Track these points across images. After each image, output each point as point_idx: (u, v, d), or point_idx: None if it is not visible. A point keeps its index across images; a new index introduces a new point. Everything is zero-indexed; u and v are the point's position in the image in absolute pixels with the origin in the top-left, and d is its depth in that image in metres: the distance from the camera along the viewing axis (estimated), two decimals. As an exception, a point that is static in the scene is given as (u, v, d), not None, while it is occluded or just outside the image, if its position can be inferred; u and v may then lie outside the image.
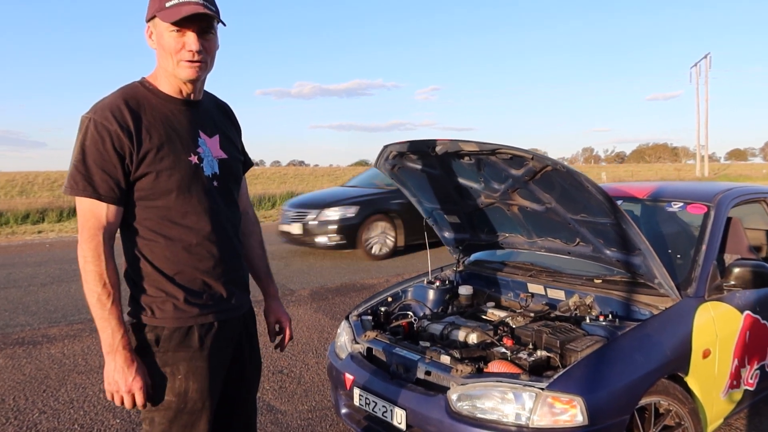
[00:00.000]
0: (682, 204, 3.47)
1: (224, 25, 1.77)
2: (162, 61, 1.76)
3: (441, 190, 3.42)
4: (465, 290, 3.59)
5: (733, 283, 2.96)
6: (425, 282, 3.75)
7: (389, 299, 3.63)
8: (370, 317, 3.38)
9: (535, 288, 3.37)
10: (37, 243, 12.29)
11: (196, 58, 1.72)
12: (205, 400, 1.80)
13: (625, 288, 3.02)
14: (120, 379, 1.66)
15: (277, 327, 2.25)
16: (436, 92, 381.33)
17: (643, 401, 2.52)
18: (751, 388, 3.12)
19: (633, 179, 40.61)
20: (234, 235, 1.91)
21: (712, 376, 2.83)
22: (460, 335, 3.01)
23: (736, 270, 2.96)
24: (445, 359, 2.68)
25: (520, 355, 2.61)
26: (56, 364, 4.65)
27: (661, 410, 2.62)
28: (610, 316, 2.86)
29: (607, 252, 2.96)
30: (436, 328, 3.15)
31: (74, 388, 4.16)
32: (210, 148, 1.85)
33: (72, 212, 17.39)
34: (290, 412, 3.71)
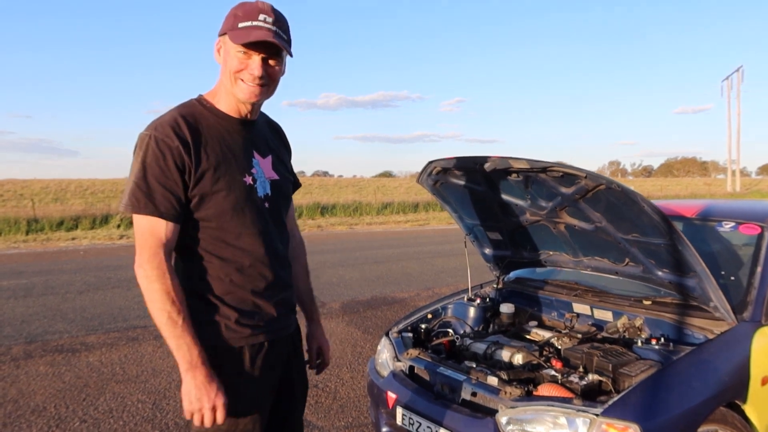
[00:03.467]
0: (734, 224, 3.37)
1: (291, 56, 1.77)
2: (224, 78, 1.76)
3: (484, 207, 3.38)
4: (506, 308, 3.53)
5: (789, 308, 2.85)
6: (465, 299, 3.70)
7: (429, 316, 3.58)
8: (410, 334, 3.34)
9: (580, 308, 3.30)
10: (71, 250, 12.51)
11: (257, 82, 1.72)
12: (255, 421, 1.78)
13: (677, 310, 2.94)
14: (204, 396, 1.62)
15: (316, 352, 2.23)
16: (460, 104, 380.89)
17: (701, 430, 2.43)
18: (808, 417, 3.00)
19: (662, 193, 39.92)
20: (284, 256, 1.90)
21: (770, 404, 2.72)
22: (505, 355, 2.95)
23: (792, 293, 2.85)
24: (493, 380, 2.62)
25: (571, 378, 2.55)
26: (95, 372, 4.70)
27: (719, 439, 2.53)
28: (662, 339, 2.78)
29: (659, 273, 2.88)
30: (479, 347, 3.10)
31: (113, 397, 4.19)
32: (263, 168, 1.84)
33: (104, 220, 17.70)
34: (327, 428, 3.68)
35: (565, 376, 2.57)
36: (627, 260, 3.01)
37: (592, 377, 2.54)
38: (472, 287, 3.88)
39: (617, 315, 3.10)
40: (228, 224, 1.73)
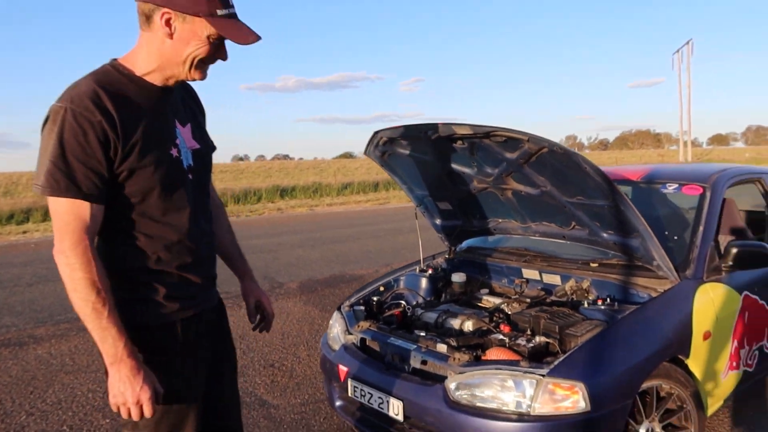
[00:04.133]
0: (677, 185, 3.43)
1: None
2: (172, 55, 1.61)
3: (432, 177, 3.34)
4: (458, 277, 3.53)
5: (731, 263, 2.92)
6: (417, 270, 3.68)
7: (381, 288, 3.55)
8: (362, 307, 3.30)
9: (530, 273, 3.32)
10: (22, 243, 12.05)
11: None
12: (191, 397, 1.72)
13: (623, 271, 2.97)
14: (127, 390, 1.53)
15: (255, 306, 2.13)
16: (419, 83, 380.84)
17: (645, 385, 2.47)
18: (750, 369, 3.10)
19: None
20: (210, 229, 1.82)
21: (712, 358, 2.79)
22: (456, 323, 2.95)
23: (735, 250, 2.91)
24: (442, 348, 2.61)
25: (519, 341, 2.56)
26: (43, 364, 4.54)
27: (663, 394, 2.58)
28: (608, 299, 2.81)
29: (604, 235, 2.91)
30: (431, 316, 3.08)
31: (62, 388, 4.05)
32: (184, 138, 1.73)
33: (55, 210, 17.07)
34: (283, 406, 3.63)
35: (513, 339, 2.58)
36: (573, 224, 3.02)
37: (539, 339, 2.55)
38: (424, 258, 3.86)
39: (565, 278, 3.12)
40: (155, 200, 1.63)
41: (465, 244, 3.98)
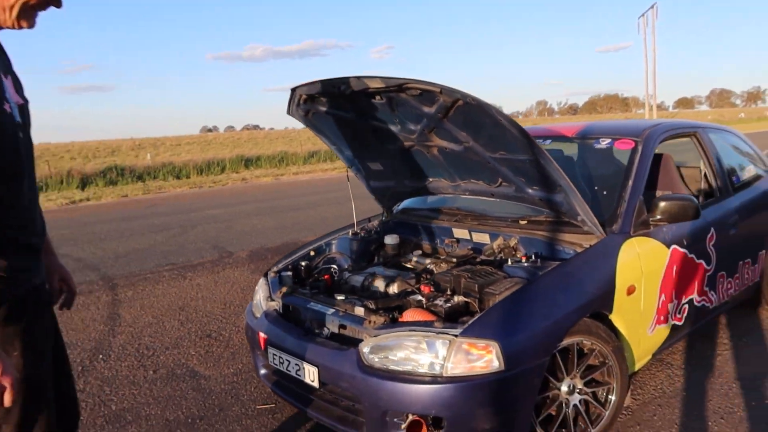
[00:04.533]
0: (609, 140, 3.35)
1: None
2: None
3: (359, 136, 3.21)
4: (391, 240, 3.43)
5: (659, 217, 2.87)
6: (350, 234, 3.57)
7: (312, 253, 3.44)
8: (289, 273, 3.18)
9: (460, 233, 3.23)
10: None
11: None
12: (45, 370, 1.59)
13: (550, 228, 2.90)
14: None
15: (59, 282, 1.91)
16: (390, 51, 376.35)
17: (566, 342, 2.41)
18: (679, 323, 3.08)
19: (586, 129, 40.98)
20: (37, 195, 1.64)
21: (637, 313, 2.75)
22: (381, 285, 2.85)
23: (662, 204, 2.85)
24: (359, 311, 2.52)
25: (437, 302, 2.47)
26: None
27: (585, 350, 2.53)
28: (533, 257, 2.74)
29: (530, 191, 2.82)
30: (357, 279, 2.99)
31: None
32: (10, 92, 1.53)
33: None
34: (214, 377, 3.53)
35: (431, 300, 2.50)
36: (500, 180, 2.93)
37: (457, 299, 2.47)
38: (359, 222, 3.75)
39: (494, 237, 3.04)
40: None
41: (403, 205, 3.88)
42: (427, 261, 3.11)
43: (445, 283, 2.65)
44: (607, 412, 2.56)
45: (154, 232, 8.20)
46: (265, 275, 3.21)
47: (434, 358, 2.21)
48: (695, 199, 2.85)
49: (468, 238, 3.18)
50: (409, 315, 2.42)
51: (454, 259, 2.92)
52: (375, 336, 2.35)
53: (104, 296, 5.30)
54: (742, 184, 3.83)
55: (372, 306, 2.53)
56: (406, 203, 3.87)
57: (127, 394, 3.37)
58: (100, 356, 3.93)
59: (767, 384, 3.09)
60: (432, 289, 2.63)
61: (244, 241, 7.38)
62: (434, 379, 2.18)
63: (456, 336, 2.20)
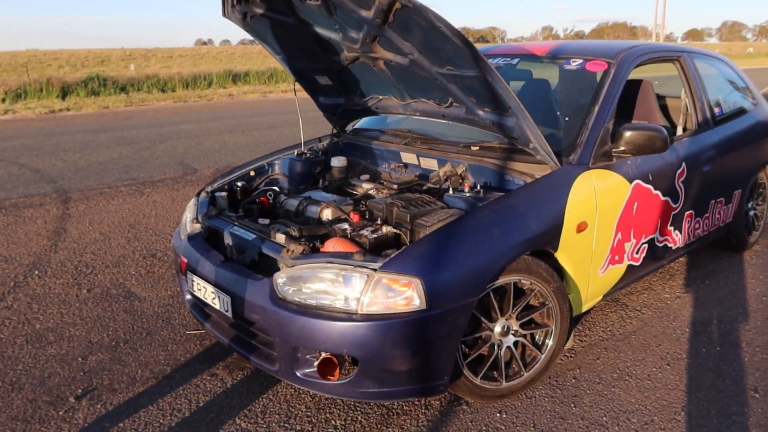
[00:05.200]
0: (581, 61, 3.03)
1: None
2: None
3: (302, 45, 2.88)
4: (337, 162, 3.17)
5: (623, 148, 2.60)
6: (295, 153, 3.30)
7: (252, 173, 3.18)
8: (224, 194, 2.94)
9: (408, 157, 2.97)
10: None
11: None
12: None
13: (503, 155, 2.64)
14: None
15: None
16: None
17: (501, 281, 2.21)
18: (636, 263, 2.88)
19: (589, 58, 39.74)
20: None
21: (588, 252, 2.54)
22: (315, 211, 2.62)
23: (627, 134, 2.58)
24: (281, 238, 2.30)
25: (362, 232, 2.24)
26: None
27: (525, 289, 2.34)
28: (478, 186, 2.49)
29: (480, 113, 2.54)
30: (292, 203, 2.75)
31: None
32: None
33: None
34: (149, 299, 3.36)
35: (357, 229, 2.27)
36: (450, 100, 2.64)
37: (386, 230, 2.25)
38: (308, 141, 3.48)
39: (442, 163, 2.78)
40: None
41: (359, 125, 3.60)
42: (370, 186, 2.86)
43: (378, 212, 2.42)
44: (542, 356, 2.40)
45: (121, 145, 7.88)
46: (197, 195, 2.97)
47: (350, 293, 2.01)
48: (664, 130, 2.57)
49: (416, 163, 2.92)
50: (330, 245, 2.20)
51: (396, 186, 2.67)
52: (291, 266, 2.14)
53: (54, 210, 5.07)
54: (725, 118, 3.54)
55: (295, 233, 2.31)
56: (361, 123, 3.59)
57: (55, 313, 3.21)
58: (36, 272, 3.75)
59: (721, 330, 2.94)
60: (362, 218, 2.40)
61: (211, 159, 7.08)
62: (349, 317, 1.99)
63: (375, 270, 1.99)
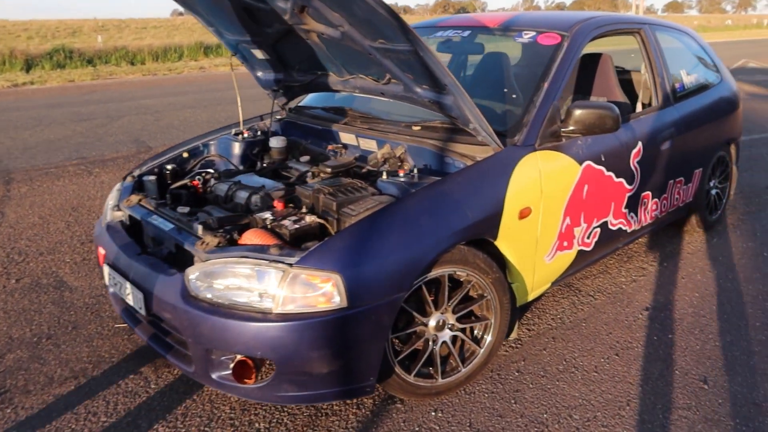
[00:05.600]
0: (534, 33, 2.84)
1: None
2: None
3: (232, 16, 2.65)
4: (277, 143, 2.97)
5: (572, 128, 2.44)
6: (233, 133, 3.10)
7: (185, 155, 2.98)
8: (153, 177, 2.74)
9: (347, 138, 2.78)
10: None
11: None
12: None
13: (444, 136, 2.47)
14: None
15: None
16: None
17: (435, 273, 2.06)
18: (587, 248, 2.75)
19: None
20: None
21: (532, 239, 2.39)
22: (243, 197, 2.44)
23: (577, 113, 2.42)
24: (198, 229, 2.12)
25: (284, 222, 2.07)
26: None
27: (462, 280, 2.19)
28: (415, 170, 2.33)
29: (419, 90, 2.35)
30: (222, 189, 2.56)
31: None
32: None
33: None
34: (81, 289, 3.16)
35: (278, 219, 2.09)
36: (388, 77, 2.45)
37: (309, 219, 2.07)
38: (247, 119, 3.28)
39: (382, 144, 2.61)
40: None
41: (304, 102, 3.40)
42: (305, 170, 2.68)
43: (305, 199, 2.24)
44: (481, 350, 2.27)
45: (76, 121, 7.56)
46: (124, 179, 2.77)
47: (264, 290, 1.84)
48: (615, 109, 2.41)
49: (356, 144, 2.74)
50: (248, 237, 2.02)
51: (329, 169, 2.49)
52: (206, 260, 1.96)
53: (-6, 192, 4.81)
54: (686, 93, 3.40)
55: (213, 223, 2.13)
56: (306, 100, 3.39)
57: (-22, 305, 3.01)
58: (-37, 261, 3.53)
59: (675, 316, 2.83)
60: (286, 206, 2.22)
61: (168, 136, 6.80)
62: (263, 316, 1.83)
63: (290, 266, 1.83)
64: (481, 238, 2.18)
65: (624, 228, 2.97)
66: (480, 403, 2.23)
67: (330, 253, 1.84)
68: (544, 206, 2.39)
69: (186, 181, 2.68)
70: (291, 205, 2.26)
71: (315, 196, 2.18)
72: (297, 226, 2.03)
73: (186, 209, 2.31)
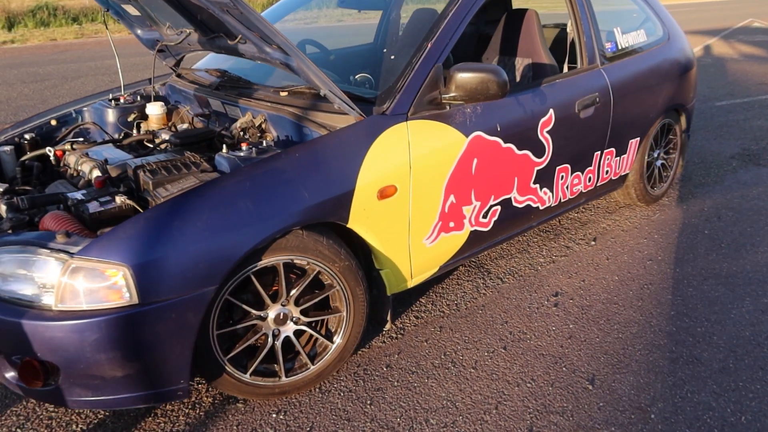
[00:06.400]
0: (431, -15, 2.52)
1: None
2: None
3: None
4: (153, 109, 2.69)
5: (453, 94, 2.15)
6: (110, 99, 2.83)
7: (53, 122, 2.72)
8: (8, 148, 2.49)
9: (215, 104, 2.50)
10: None
11: None
12: None
13: (309, 103, 2.18)
14: None
15: None
16: None
17: (266, 261, 1.81)
18: (484, 229, 2.48)
19: None
20: None
21: (401, 221, 2.12)
22: (87, 170, 2.19)
23: (459, 77, 2.12)
24: (2, 210, 1.87)
25: (91, 203, 1.82)
26: None
27: (308, 270, 1.94)
28: (264, 143, 2.05)
29: (269, 50, 2.06)
30: (71, 162, 2.31)
31: None
32: None
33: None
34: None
35: (85, 201, 1.84)
36: (239, 36, 2.15)
37: (120, 201, 1.82)
38: (134, 83, 3.00)
39: (244, 111, 2.33)
40: None
41: (198, 64, 3.11)
42: (159, 141, 2.41)
43: (129, 177, 1.99)
44: (333, 346, 2.03)
45: (28, 82, 7.26)
46: (-24, 150, 2.51)
47: (44, 284, 1.60)
48: (502, 73, 2.11)
49: (223, 111, 2.46)
50: (46, 221, 1.77)
51: (178, 140, 2.22)
52: (-3, 247, 1.72)
53: None
54: (620, 54, 3.05)
55: (22, 203, 1.88)
56: (200, 62, 3.10)
57: None
58: None
59: (584, 302, 2.57)
60: (103, 184, 1.96)
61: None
62: (41, 314, 1.59)
63: (72, 255, 1.58)
64: (328, 221, 1.92)
65: (535, 205, 2.69)
66: (331, 403, 2.01)
67: (118, 242, 1.59)
68: (416, 184, 2.11)
69: (38, 152, 2.43)
70: (122, 183, 2.00)
71: (136, 174, 1.92)
72: (101, 208, 1.78)
73: (5, 186, 2.06)
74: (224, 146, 2.04)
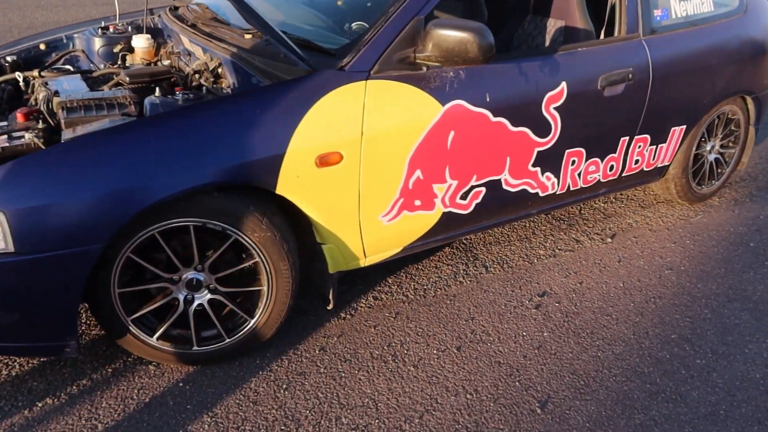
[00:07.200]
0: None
1: None
2: None
3: None
4: (138, 42, 2.54)
5: (429, 54, 1.84)
6: (100, 28, 2.71)
7: (42, 47, 2.65)
8: (-10, 70, 2.44)
9: (186, 43, 2.32)
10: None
11: None
12: None
13: (266, 51, 1.95)
14: None
15: None
16: None
17: (177, 222, 1.64)
18: (463, 211, 2.18)
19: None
20: None
21: (349, 192, 1.88)
22: (41, 100, 2.08)
23: (434, 33, 1.82)
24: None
25: (3, 136, 1.70)
26: None
27: (232, 236, 1.76)
28: (204, 90, 1.86)
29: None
30: (41, 91, 2.21)
31: None
32: None
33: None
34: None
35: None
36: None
37: (28, 138, 1.69)
38: (126, 14, 2.87)
39: (206, 53, 2.13)
40: None
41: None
42: (119, 79, 2.25)
43: (54, 113, 1.85)
44: (251, 321, 1.86)
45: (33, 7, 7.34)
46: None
47: None
48: (485, 33, 1.78)
49: (190, 50, 2.27)
50: (-45, 153, 1.68)
51: (128, 79, 2.06)
52: None
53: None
54: (672, 25, 2.57)
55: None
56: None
57: None
58: None
59: (571, 309, 2.24)
60: (28, 117, 1.84)
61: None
62: None
63: (-55, 196, 1.47)
64: (253, 185, 1.71)
65: (533, 191, 2.35)
66: (244, 381, 1.85)
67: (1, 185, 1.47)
68: (369, 153, 1.85)
69: (8, 77, 2.35)
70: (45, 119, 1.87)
71: (59, 110, 1.78)
72: (6, 144, 1.66)
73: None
74: (157, 89, 1.85)
